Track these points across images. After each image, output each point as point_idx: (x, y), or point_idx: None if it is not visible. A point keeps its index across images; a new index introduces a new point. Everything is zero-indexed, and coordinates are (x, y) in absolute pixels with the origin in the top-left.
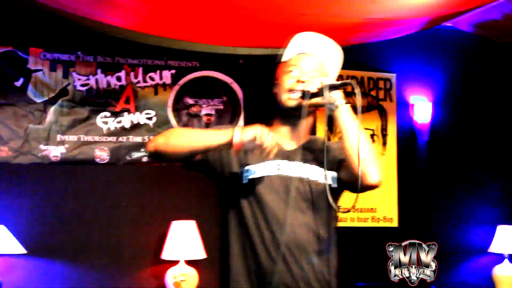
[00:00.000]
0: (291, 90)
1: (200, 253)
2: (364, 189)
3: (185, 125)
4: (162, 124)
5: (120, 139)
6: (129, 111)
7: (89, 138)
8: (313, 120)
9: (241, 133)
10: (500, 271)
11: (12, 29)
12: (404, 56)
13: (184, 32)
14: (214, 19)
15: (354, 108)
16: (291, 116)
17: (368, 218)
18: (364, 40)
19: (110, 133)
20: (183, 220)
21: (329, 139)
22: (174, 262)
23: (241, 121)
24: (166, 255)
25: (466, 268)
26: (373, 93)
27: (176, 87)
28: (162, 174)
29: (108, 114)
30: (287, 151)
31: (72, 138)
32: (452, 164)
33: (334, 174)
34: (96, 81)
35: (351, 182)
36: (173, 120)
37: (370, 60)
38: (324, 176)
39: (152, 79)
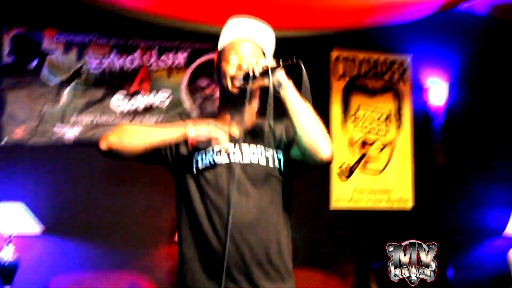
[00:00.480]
0: (233, 77)
1: None
2: (316, 165)
3: (200, 106)
4: (176, 106)
5: (134, 120)
6: (143, 93)
7: (103, 119)
8: (258, 103)
9: (194, 129)
10: None
11: (26, 10)
12: (419, 38)
13: (198, 14)
14: (228, 1)
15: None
16: (236, 102)
17: (383, 200)
18: (379, 22)
19: (124, 115)
20: None
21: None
22: None
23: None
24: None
25: (481, 250)
26: (388, 75)
27: (190, 69)
28: None
29: (122, 95)
30: (235, 136)
31: (87, 119)
32: (467, 146)
33: (281, 155)
34: (110, 62)
35: (303, 160)
36: (186, 102)
37: (385, 42)
38: (272, 158)
39: (166, 60)
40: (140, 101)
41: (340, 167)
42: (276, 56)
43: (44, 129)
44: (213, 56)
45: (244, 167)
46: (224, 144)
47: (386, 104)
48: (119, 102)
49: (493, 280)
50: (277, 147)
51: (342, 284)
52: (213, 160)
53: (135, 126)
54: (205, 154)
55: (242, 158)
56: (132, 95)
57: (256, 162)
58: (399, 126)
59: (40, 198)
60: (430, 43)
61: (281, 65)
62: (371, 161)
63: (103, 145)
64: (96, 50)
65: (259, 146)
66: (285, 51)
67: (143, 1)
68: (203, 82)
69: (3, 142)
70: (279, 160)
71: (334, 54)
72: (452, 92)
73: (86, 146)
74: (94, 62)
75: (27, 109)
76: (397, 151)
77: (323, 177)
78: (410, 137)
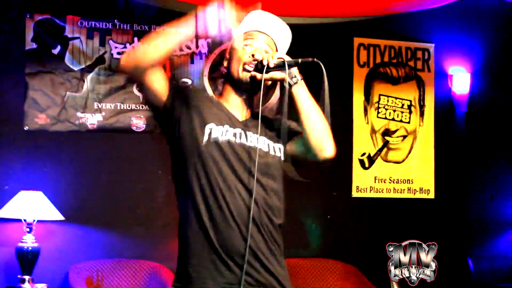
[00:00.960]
0: (245, 63)
1: None
2: (318, 162)
3: (221, 94)
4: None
5: None
6: None
7: (125, 106)
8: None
9: (204, 20)
10: None
11: None
12: (443, 26)
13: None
14: None
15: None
16: (243, 88)
17: (404, 189)
18: (402, 10)
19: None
20: None
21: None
22: None
23: (277, 89)
24: None
25: (503, 241)
26: (411, 63)
27: (213, 56)
28: None
29: None
30: (241, 121)
31: (109, 106)
32: (490, 135)
33: (282, 146)
34: None
35: (304, 155)
36: (209, 89)
37: (409, 30)
38: (278, 149)
39: (188, 47)
40: None
41: (362, 155)
42: (296, 43)
43: (67, 115)
44: None
45: (252, 152)
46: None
47: (409, 93)
48: None
49: None
50: (279, 139)
51: (363, 272)
52: (225, 137)
53: (145, 39)
54: (217, 128)
55: (250, 143)
56: None
57: (263, 150)
58: (421, 115)
59: (62, 185)
60: (454, 30)
61: (300, 62)
62: (393, 150)
63: (122, 60)
64: (119, 36)
65: (263, 134)
66: (309, 37)
67: None
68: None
69: (25, 128)
70: (279, 149)
71: (357, 41)
72: (476, 80)
73: (109, 132)
74: (116, 49)
75: (50, 95)
76: (420, 140)
77: (345, 166)
78: (432, 126)
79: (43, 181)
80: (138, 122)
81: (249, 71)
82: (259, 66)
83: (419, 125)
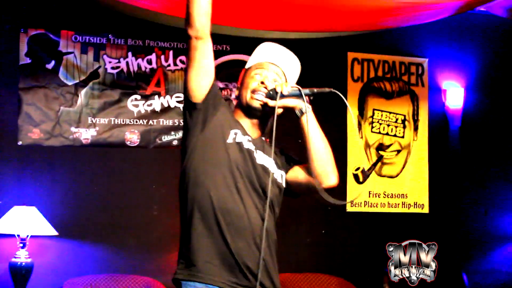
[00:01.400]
0: (253, 90)
1: None
2: (321, 189)
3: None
4: None
5: (151, 122)
6: (159, 94)
7: (119, 121)
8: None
9: None
10: None
11: (44, 11)
12: (436, 41)
13: (215, 16)
14: (244, 2)
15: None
16: (253, 114)
17: (399, 204)
18: (396, 25)
19: (141, 116)
20: None
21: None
22: None
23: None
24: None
25: (498, 255)
26: (405, 78)
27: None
28: None
29: (138, 97)
30: (255, 142)
31: (103, 120)
32: (484, 150)
33: (284, 173)
34: (127, 64)
35: (304, 183)
36: None
37: (402, 45)
38: (282, 176)
39: (182, 62)
40: (157, 103)
41: (356, 170)
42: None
43: (61, 130)
44: (230, 58)
45: (262, 169)
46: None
47: (402, 107)
48: (136, 103)
49: (509, 286)
50: (282, 166)
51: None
52: (248, 146)
53: None
54: (241, 136)
55: (261, 161)
56: (148, 96)
57: (276, 177)
58: (415, 129)
59: (56, 199)
60: (447, 45)
61: (316, 92)
62: (387, 164)
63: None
64: (113, 51)
65: (272, 160)
66: (303, 52)
67: (159, 3)
68: (219, 84)
69: (19, 143)
70: (281, 176)
71: (351, 56)
72: (469, 95)
73: (103, 147)
74: (111, 63)
75: (44, 110)
76: (414, 155)
77: (339, 180)
78: (426, 141)
79: (37, 196)
80: (132, 137)
81: (257, 99)
82: (272, 93)
83: (413, 139)
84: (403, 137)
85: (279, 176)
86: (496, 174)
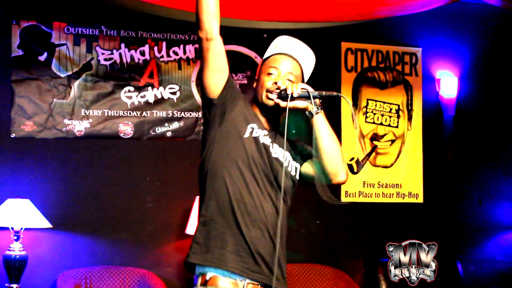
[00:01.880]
0: (268, 91)
1: None
2: (332, 185)
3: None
4: (186, 99)
5: (144, 113)
6: (153, 86)
7: (113, 112)
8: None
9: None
10: None
11: (35, 3)
12: (430, 30)
13: None
14: None
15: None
16: (267, 112)
17: (393, 194)
18: (390, 14)
19: (134, 108)
20: None
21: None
22: None
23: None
24: (190, 229)
25: (492, 244)
26: (399, 67)
27: (200, 62)
28: (186, 149)
29: (132, 88)
30: (272, 136)
31: (96, 112)
32: (478, 139)
33: (298, 166)
34: (120, 55)
35: (316, 178)
36: (197, 95)
37: (396, 34)
38: (296, 168)
39: (175, 53)
40: (150, 94)
41: (350, 160)
42: None
43: (54, 122)
44: (227, 48)
45: (277, 162)
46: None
47: (396, 97)
48: (129, 94)
49: (504, 275)
50: (297, 158)
51: (352, 277)
52: (264, 140)
53: None
54: (259, 130)
55: (276, 154)
56: (142, 88)
57: (290, 170)
58: (409, 119)
59: (49, 192)
60: (441, 35)
61: (324, 95)
62: (382, 154)
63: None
64: (106, 43)
65: (288, 154)
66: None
67: None
68: None
69: (12, 135)
70: (296, 169)
71: (345, 46)
72: (463, 84)
73: (96, 139)
74: (104, 55)
75: (37, 102)
76: (408, 145)
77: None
78: (420, 130)
79: (30, 189)
80: (126, 129)
81: (271, 98)
82: (283, 94)
83: (407, 129)
84: (397, 127)
85: (293, 168)
86: (490, 164)
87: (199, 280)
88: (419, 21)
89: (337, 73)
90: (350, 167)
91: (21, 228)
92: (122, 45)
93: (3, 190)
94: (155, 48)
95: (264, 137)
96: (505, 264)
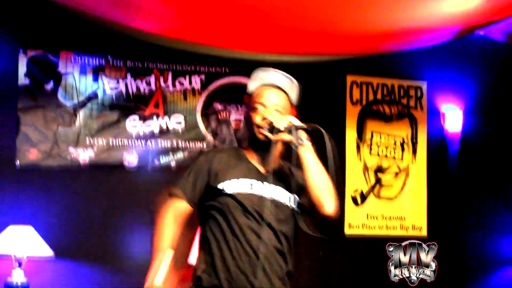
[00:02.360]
0: (259, 126)
1: None
2: (321, 217)
3: (213, 131)
4: (191, 129)
5: (149, 143)
6: (158, 116)
7: (118, 141)
8: (282, 147)
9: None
10: None
11: (42, 32)
12: (435, 64)
13: (214, 38)
14: (243, 25)
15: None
16: (261, 146)
17: (396, 226)
18: (396, 48)
19: (139, 137)
20: None
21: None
22: None
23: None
24: (194, 259)
25: (496, 278)
26: (404, 101)
27: (205, 92)
28: None
29: (137, 118)
30: (260, 173)
31: (101, 141)
32: (483, 173)
33: (296, 196)
34: (126, 85)
35: (309, 209)
36: (201, 125)
37: (401, 68)
38: (292, 198)
39: (181, 84)
40: (155, 124)
41: (354, 192)
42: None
43: (59, 150)
44: (229, 80)
45: (267, 202)
46: None
47: (401, 130)
48: (134, 124)
49: None
50: (295, 191)
51: None
52: (239, 190)
53: (158, 226)
54: (232, 182)
55: (267, 194)
56: (147, 117)
57: (279, 200)
58: (414, 152)
59: (53, 221)
60: (446, 69)
61: (306, 128)
62: (385, 187)
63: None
64: (112, 72)
65: (281, 186)
66: (302, 75)
67: (158, 25)
68: (218, 106)
69: (17, 163)
70: (294, 199)
71: (350, 79)
72: (468, 119)
73: (100, 168)
74: (109, 85)
75: (42, 130)
76: (412, 178)
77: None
78: (425, 164)
79: (34, 216)
80: (130, 158)
81: (262, 133)
82: (271, 127)
83: (412, 162)
84: (401, 159)
85: (288, 199)
86: (495, 198)
87: None
88: (424, 55)
89: (342, 106)
90: (354, 199)
91: (23, 256)
92: (128, 75)
93: (6, 217)
94: (161, 78)
95: (245, 185)
96: None
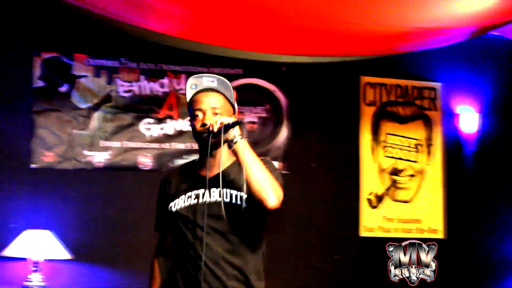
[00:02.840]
0: (200, 133)
1: None
2: (268, 211)
3: None
4: None
5: (163, 145)
6: (172, 118)
7: (132, 144)
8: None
9: None
10: None
11: (57, 35)
12: (449, 65)
13: (228, 39)
14: (257, 27)
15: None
16: (206, 150)
17: (412, 229)
18: (409, 49)
19: (154, 140)
20: None
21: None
22: None
23: (284, 129)
24: None
25: None
26: (418, 102)
27: None
28: None
29: (151, 120)
30: (208, 178)
31: (116, 144)
32: (500, 175)
33: (243, 194)
34: (140, 87)
35: (256, 204)
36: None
37: (415, 69)
38: (235, 196)
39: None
40: (170, 126)
41: (369, 194)
42: (304, 83)
43: (74, 153)
44: (243, 82)
45: (211, 207)
46: None
47: (416, 132)
48: (148, 126)
49: None
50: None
51: None
52: (184, 203)
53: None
54: (178, 199)
55: (212, 198)
56: (161, 120)
57: (220, 200)
58: (429, 153)
59: (69, 223)
60: (461, 69)
61: (232, 125)
62: (401, 189)
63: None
64: (126, 74)
65: (230, 186)
66: (316, 76)
67: (171, 26)
68: None
69: (32, 166)
70: (241, 197)
71: (364, 80)
72: (484, 119)
73: (116, 170)
74: (123, 87)
75: (57, 133)
76: (427, 180)
77: (352, 205)
78: (440, 166)
79: (50, 219)
80: (145, 160)
81: (204, 138)
82: (209, 132)
83: (427, 164)
84: (416, 161)
85: (234, 197)
86: (511, 199)
87: None
88: (438, 55)
89: (356, 107)
90: (369, 201)
91: (40, 259)
92: (142, 77)
93: (23, 220)
94: (175, 81)
95: (190, 198)
96: None
